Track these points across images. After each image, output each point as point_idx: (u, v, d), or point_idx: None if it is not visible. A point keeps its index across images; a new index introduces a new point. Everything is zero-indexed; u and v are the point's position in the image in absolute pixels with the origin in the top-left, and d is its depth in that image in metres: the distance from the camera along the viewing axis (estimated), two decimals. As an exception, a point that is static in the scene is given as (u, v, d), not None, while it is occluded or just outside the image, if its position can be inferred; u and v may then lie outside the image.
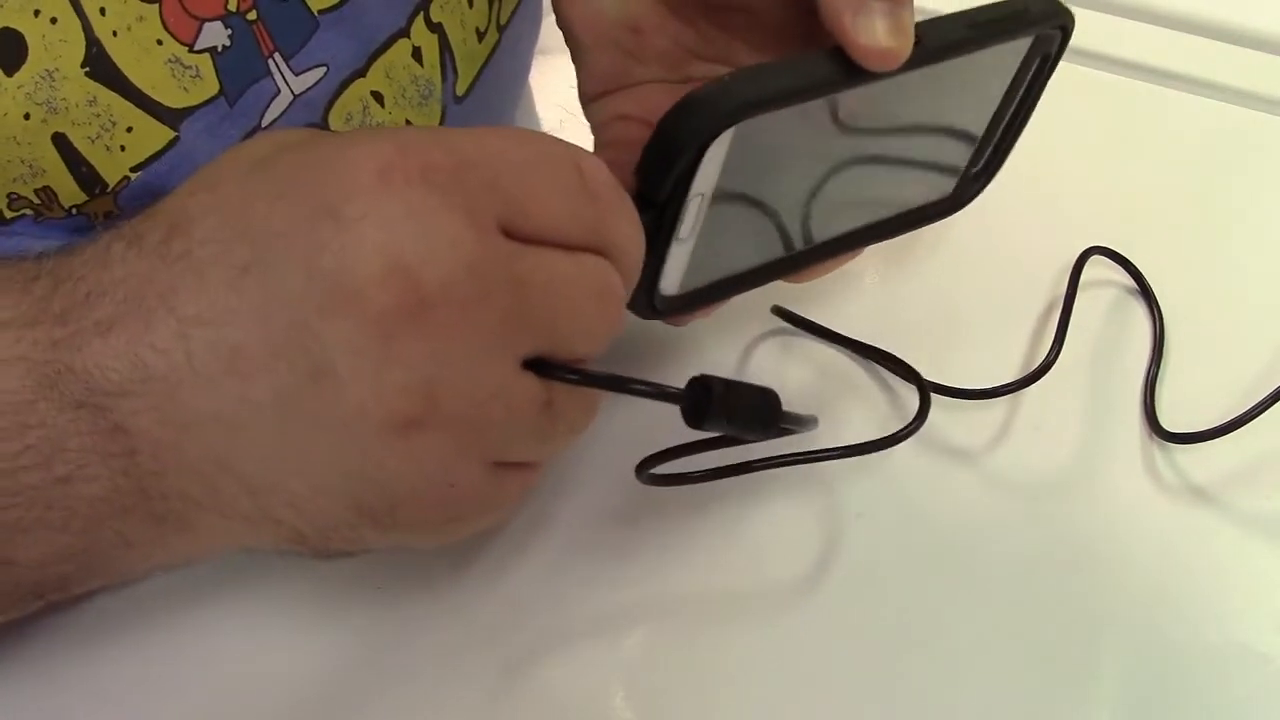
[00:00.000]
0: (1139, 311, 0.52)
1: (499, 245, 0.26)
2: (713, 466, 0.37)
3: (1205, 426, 0.46)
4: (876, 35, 0.31)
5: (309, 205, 0.26)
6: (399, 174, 0.26)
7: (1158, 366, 0.50)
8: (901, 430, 0.40)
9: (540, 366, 0.28)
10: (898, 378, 0.48)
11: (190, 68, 0.34)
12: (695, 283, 0.38)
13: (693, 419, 0.31)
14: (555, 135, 0.30)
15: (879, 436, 0.40)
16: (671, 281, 0.37)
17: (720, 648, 0.40)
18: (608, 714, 0.38)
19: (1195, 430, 0.46)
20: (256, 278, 0.26)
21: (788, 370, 0.49)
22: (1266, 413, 0.46)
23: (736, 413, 0.31)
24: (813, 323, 0.48)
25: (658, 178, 0.32)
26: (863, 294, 0.53)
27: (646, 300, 0.36)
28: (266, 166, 0.27)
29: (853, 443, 0.40)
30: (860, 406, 0.47)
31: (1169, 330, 0.51)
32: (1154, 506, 0.46)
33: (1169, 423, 0.47)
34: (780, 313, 0.49)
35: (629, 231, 0.30)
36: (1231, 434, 0.46)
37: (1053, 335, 0.50)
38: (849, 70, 0.33)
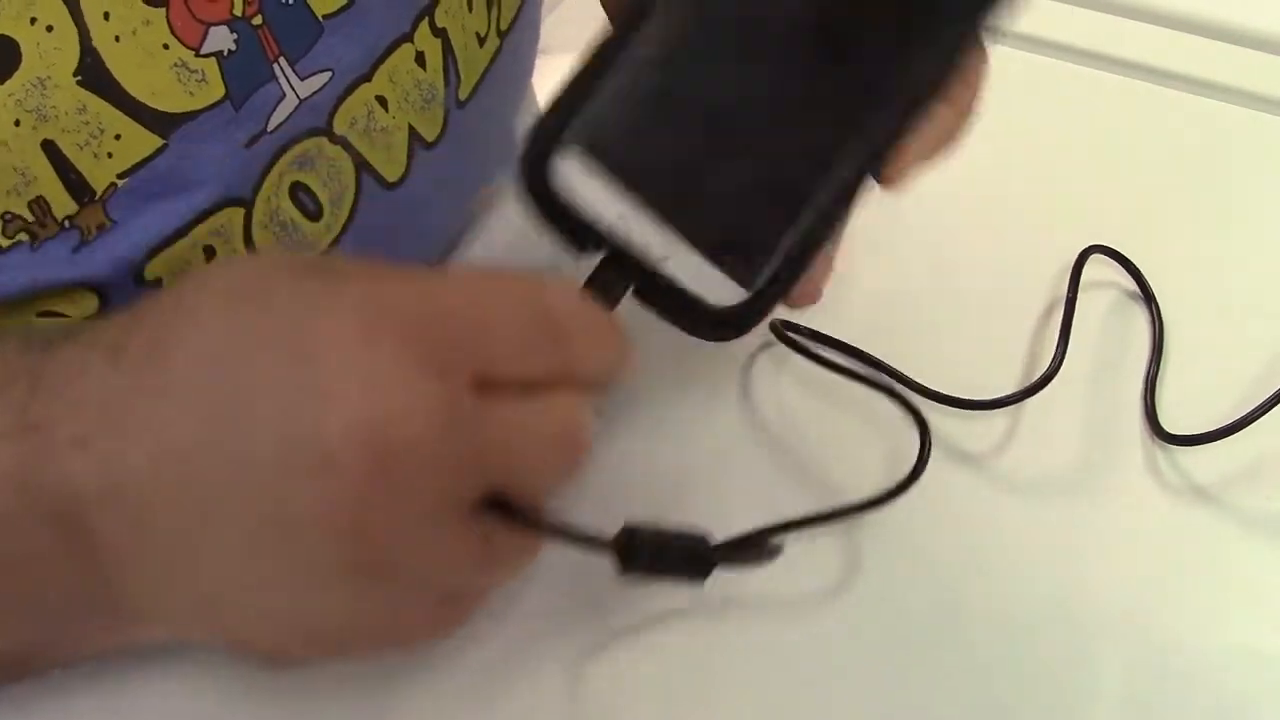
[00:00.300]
0: (1138, 312, 0.52)
1: (466, 404, 0.28)
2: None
3: (1206, 427, 0.46)
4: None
5: (286, 362, 0.27)
6: (374, 333, 0.27)
7: (1157, 367, 0.50)
8: (902, 481, 0.42)
9: (490, 504, 0.29)
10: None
11: (196, 72, 0.34)
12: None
13: (624, 568, 0.31)
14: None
15: (876, 493, 0.42)
16: (715, 287, 0.34)
17: (723, 649, 0.40)
18: (618, 716, 0.38)
19: (1196, 433, 0.47)
20: (231, 425, 0.27)
21: (785, 388, 0.49)
22: (1267, 414, 0.46)
23: (663, 563, 0.32)
24: (810, 349, 0.47)
25: (570, 243, 0.32)
26: (863, 295, 0.53)
27: (712, 329, 0.34)
28: (248, 307, 0.28)
29: (843, 505, 0.42)
30: (863, 425, 0.47)
31: (1168, 331, 0.51)
32: (1155, 508, 0.46)
33: (1170, 424, 0.47)
34: (777, 331, 0.49)
35: (600, 352, 0.31)
36: (1232, 435, 0.46)
37: (1052, 335, 0.50)
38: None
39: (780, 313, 0.48)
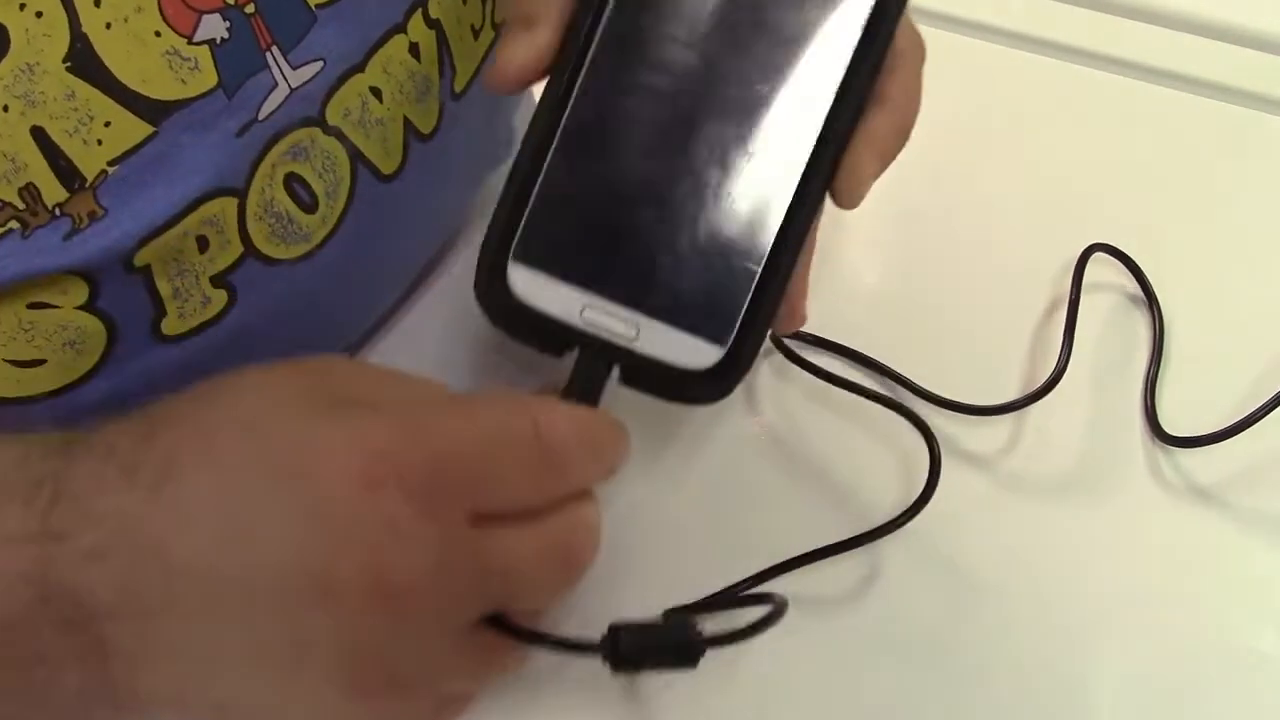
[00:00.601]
0: (1139, 313, 0.52)
1: (464, 539, 0.30)
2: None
3: (1207, 429, 0.46)
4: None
5: (296, 503, 0.29)
6: (378, 481, 0.29)
7: (1157, 368, 0.49)
8: (914, 504, 0.42)
9: (487, 619, 0.31)
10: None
11: (189, 60, 0.33)
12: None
13: (614, 668, 0.32)
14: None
15: (888, 519, 0.42)
16: (691, 352, 0.34)
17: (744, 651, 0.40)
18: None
19: (1197, 434, 0.46)
20: (243, 550, 0.29)
21: (790, 399, 0.48)
22: (1268, 416, 0.46)
23: (651, 655, 0.33)
24: (810, 364, 0.47)
25: (545, 347, 0.34)
26: (863, 296, 0.53)
27: (701, 393, 0.35)
28: (260, 443, 0.30)
29: (855, 535, 0.42)
30: (871, 434, 0.47)
31: (1169, 332, 0.51)
32: (1156, 509, 0.46)
33: (1171, 425, 0.47)
34: (777, 342, 0.49)
35: (598, 466, 0.32)
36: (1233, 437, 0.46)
37: (1053, 336, 0.50)
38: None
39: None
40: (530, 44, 0.34)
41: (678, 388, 0.34)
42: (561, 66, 0.34)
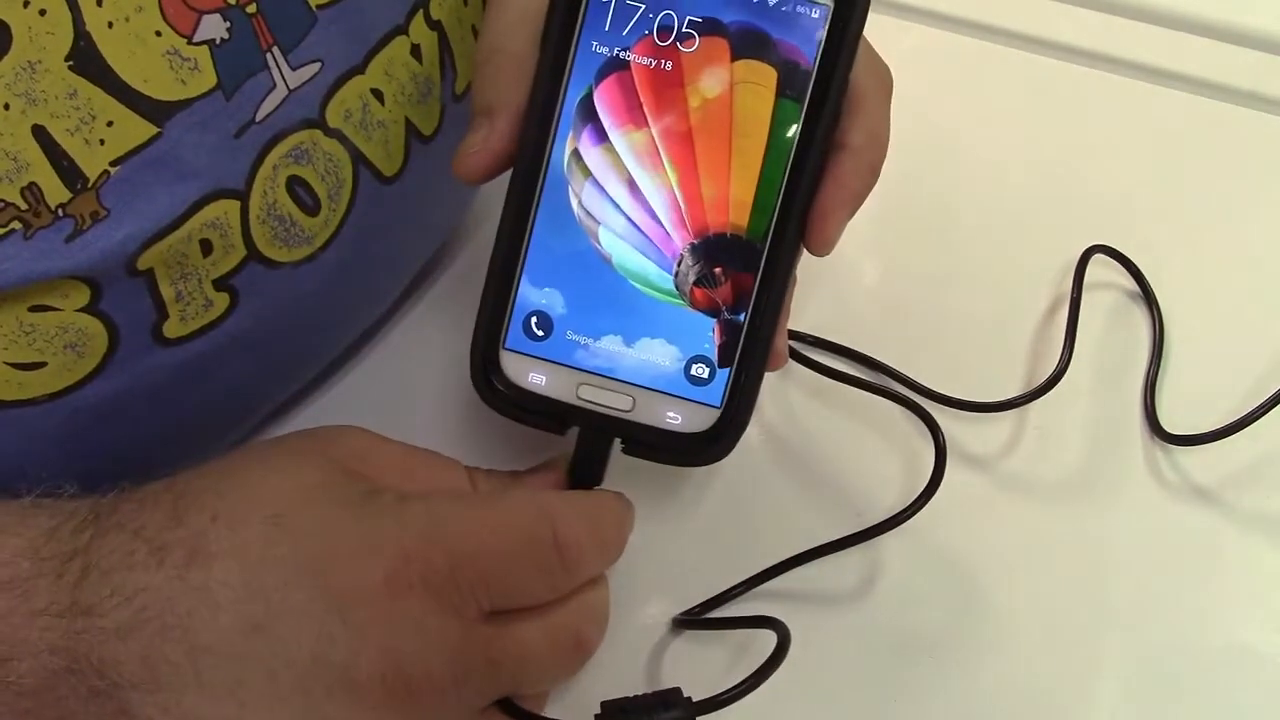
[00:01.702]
0: (1138, 312, 0.52)
1: (480, 634, 0.32)
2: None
3: (1207, 427, 0.46)
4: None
5: (321, 598, 0.30)
6: (401, 581, 0.31)
7: (1157, 367, 0.49)
8: (918, 497, 0.42)
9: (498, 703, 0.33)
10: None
11: (189, 60, 0.33)
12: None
13: None
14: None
15: (891, 514, 0.42)
16: (687, 415, 0.35)
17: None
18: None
19: (1197, 433, 0.46)
20: (267, 640, 0.30)
21: (793, 396, 0.48)
22: (1267, 414, 0.46)
23: None
24: (813, 360, 0.47)
25: (548, 427, 0.36)
26: (864, 298, 0.52)
27: (703, 453, 0.36)
28: (286, 538, 0.31)
29: (860, 529, 0.42)
30: (874, 430, 0.47)
31: (1169, 331, 0.51)
32: (1156, 508, 0.46)
33: (1170, 424, 0.47)
34: None
35: (608, 556, 0.35)
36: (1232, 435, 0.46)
37: (1053, 335, 0.50)
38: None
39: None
40: (489, 132, 0.36)
41: (680, 452, 0.36)
42: (525, 151, 0.35)
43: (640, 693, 0.36)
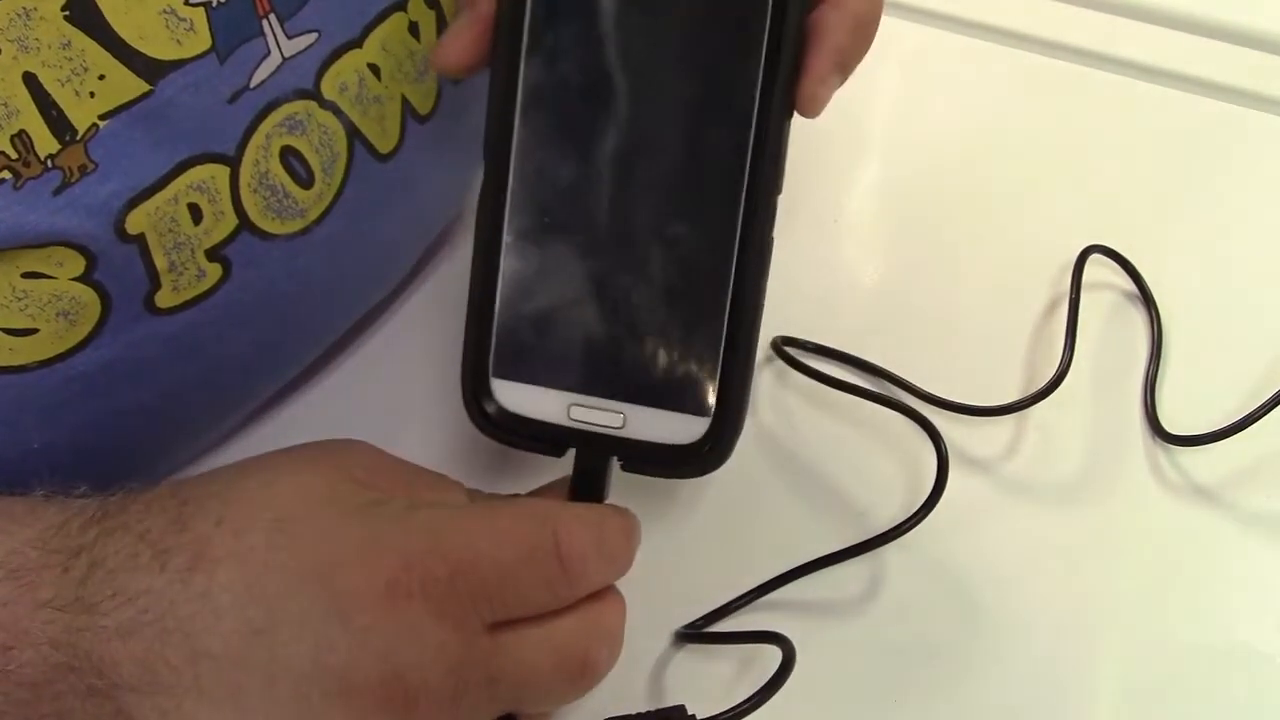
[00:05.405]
0: (1137, 313, 0.52)
1: (480, 646, 0.31)
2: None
3: (1207, 427, 0.46)
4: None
5: (322, 604, 0.30)
6: (401, 589, 0.30)
7: (1157, 367, 0.49)
8: (921, 507, 0.42)
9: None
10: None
11: (185, 20, 0.33)
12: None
13: None
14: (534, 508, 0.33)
15: (895, 524, 0.42)
16: (678, 428, 0.35)
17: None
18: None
19: (1197, 433, 0.46)
20: (267, 644, 0.30)
21: (792, 404, 0.48)
22: (1268, 414, 0.46)
23: None
24: (811, 368, 0.47)
25: (543, 450, 0.35)
26: (864, 299, 0.52)
27: (697, 465, 0.35)
28: (290, 546, 0.31)
29: (864, 539, 0.42)
30: (874, 437, 0.47)
31: (1168, 331, 0.51)
32: (1156, 508, 0.45)
33: (1170, 424, 0.47)
34: (776, 348, 0.48)
35: (614, 567, 0.34)
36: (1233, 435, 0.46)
37: (1052, 336, 0.50)
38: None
39: (779, 328, 0.48)
40: (471, 16, 0.34)
41: (675, 464, 0.35)
42: (489, 182, 0.35)
43: (643, 709, 0.35)
